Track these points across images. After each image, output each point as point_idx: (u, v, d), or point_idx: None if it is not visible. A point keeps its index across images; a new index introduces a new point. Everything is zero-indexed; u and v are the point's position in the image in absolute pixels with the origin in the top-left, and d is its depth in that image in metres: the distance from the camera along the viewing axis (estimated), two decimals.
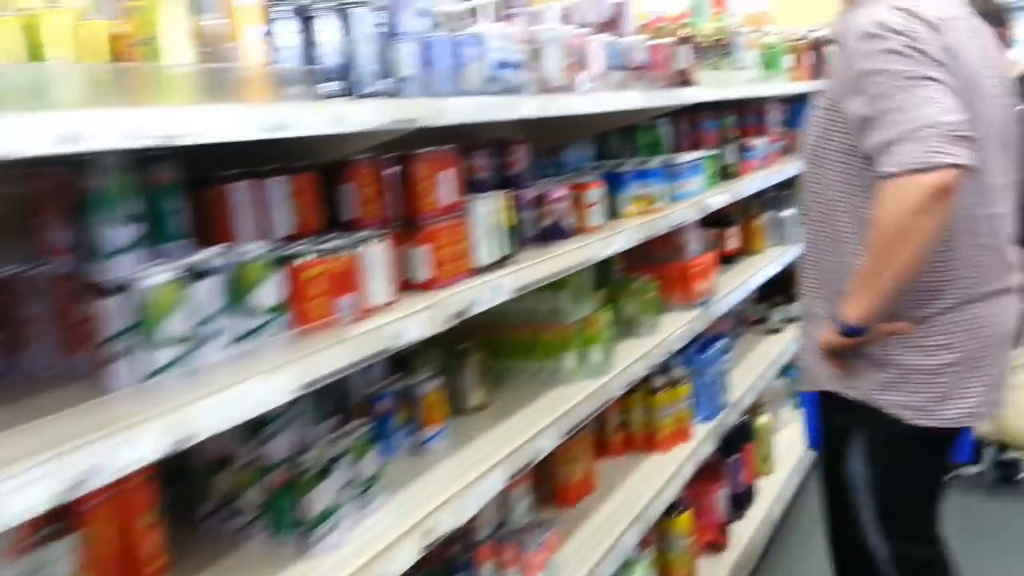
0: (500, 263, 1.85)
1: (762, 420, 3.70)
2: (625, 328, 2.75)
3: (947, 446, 1.88)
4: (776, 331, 4.12)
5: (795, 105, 4.42)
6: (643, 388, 2.80)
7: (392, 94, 1.53)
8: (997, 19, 3.48)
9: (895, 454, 1.87)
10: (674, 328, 2.75)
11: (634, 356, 2.49)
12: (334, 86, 1.44)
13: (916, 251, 1.61)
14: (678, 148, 3.40)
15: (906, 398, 1.80)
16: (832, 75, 1.84)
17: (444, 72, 1.70)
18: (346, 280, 1.45)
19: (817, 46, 4.70)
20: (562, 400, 2.15)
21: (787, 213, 3.98)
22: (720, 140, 3.51)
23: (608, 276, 2.84)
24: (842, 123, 1.75)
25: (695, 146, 3.56)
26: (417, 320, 1.52)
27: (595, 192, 2.33)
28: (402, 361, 1.88)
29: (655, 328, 2.72)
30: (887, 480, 1.87)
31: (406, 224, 1.69)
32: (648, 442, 2.84)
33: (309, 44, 1.42)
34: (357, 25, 1.48)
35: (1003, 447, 3.68)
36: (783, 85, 3.99)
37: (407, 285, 1.69)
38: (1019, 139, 1.87)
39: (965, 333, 1.77)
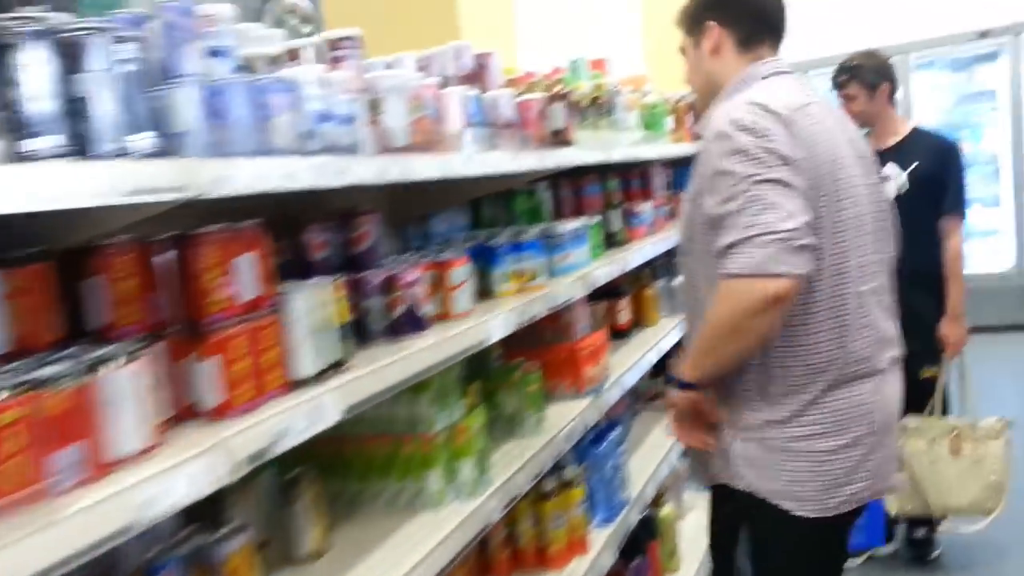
0: (327, 373, 1.40)
1: (666, 511, 3.31)
2: (506, 428, 2.32)
3: (840, 533, 1.84)
4: None
5: (678, 168, 4.19)
6: (531, 494, 2.36)
7: (152, 153, 1.09)
8: (885, 74, 3.34)
9: (786, 547, 1.81)
10: (563, 422, 2.34)
11: (517, 463, 2.06)
12: (47, 142, 0.98)
13: (743, 347, 1.69)
14: (559, 215, 3.05)
15: (791, 487, 1.73)
16: (696, 169, 1.84)
17: (240, 126, 1.26)
18: (69, 425, 0.96)
19: (698, 110, 4.52)
20: (427, 533, 1.68)
21: (679, 281, 3.68)
22: (604, 205, 3.19)
23: (484, 366, 2.42)
24: (699, 217, 1.76)
25: (578, 212, 3.22)
26: (188, 473, 1.04)
27: (460, 271, 1.92)
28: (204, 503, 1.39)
29: (541, 425, 2.30)
30: None
31: (187, 330, 1.22)
32: (539, 558, 2.38)
33: (3, 83, 0.96)
34: (89, 60, 1.03)
35: (914, 524, 3.42)
36: (667, 147, 3.74)
37: (190, 413, 1.21)
38: (890, 215, 1.90)
39: (845, 415, 1.73)
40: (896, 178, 3.22)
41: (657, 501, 3.29)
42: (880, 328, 1.78)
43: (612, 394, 2.68)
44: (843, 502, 1.73)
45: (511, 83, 2.46)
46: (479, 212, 2.84)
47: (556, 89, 2.62)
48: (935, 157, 3.22)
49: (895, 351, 1.84)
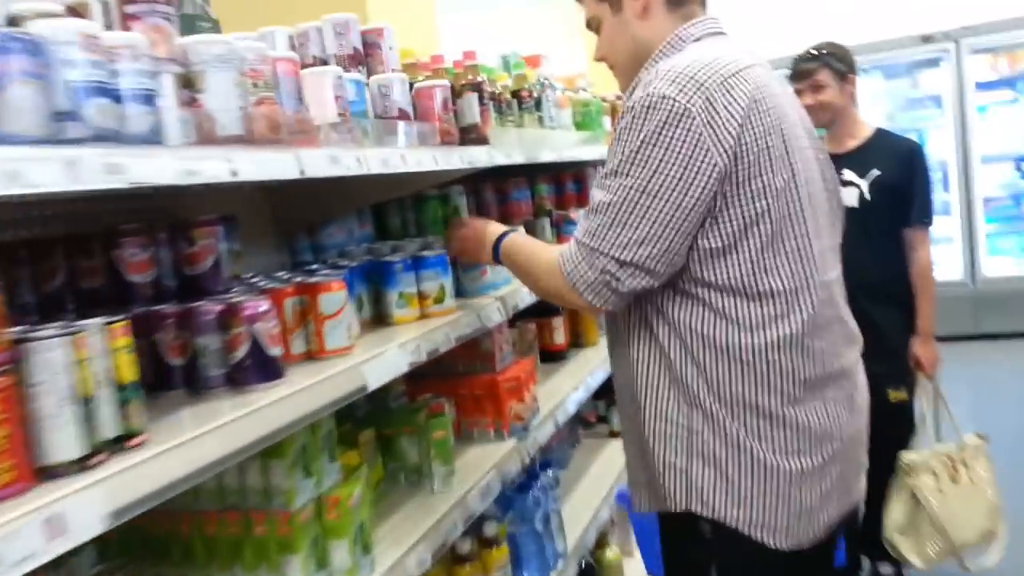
0: (96, 456, 0.96)
1: (610, 555, 2.92)
2: (411, 482, 1.90)
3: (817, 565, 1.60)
4: (619, 434, 3.38)
5: None
6: (444, 558, 1.94)
7: None
8: (852, 66, 2.99)
9: None
10: (480, 473, 1.93)
11: (415, 534, 1.64)
12: None
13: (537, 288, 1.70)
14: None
15: (764, 516, 1.50)
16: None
17: None
18: None
19: None
20: None
21: None
22: (534, 213, 2.79)
23: (381, 407, 1.99)
24: None
25: (503, 220, 2.82)
26: None
27: (333, 298, 1.49)
28: None
29: (451, 480, 1.89)
30: None
31: None
32: None
33: None
34: None
35: (881, 558, 3.07)
36: (604, 148, 3.36)
37: None
38: (837, 196, 1.70)
39: (820, 425, 1.51)
40: (857, 185, 2.87)
41: (601, 542, 2.90)
42: (848, 323, 1.61)
43: (543, 432, 2.28)
44: (827, 526, 1.55)
45: (410, 68, 2.04)
46: (384, 220, 2.42)
47: (469, 78, 2.22)
48: (899, 163, 2.87)
49: (859, 348, 1.66)
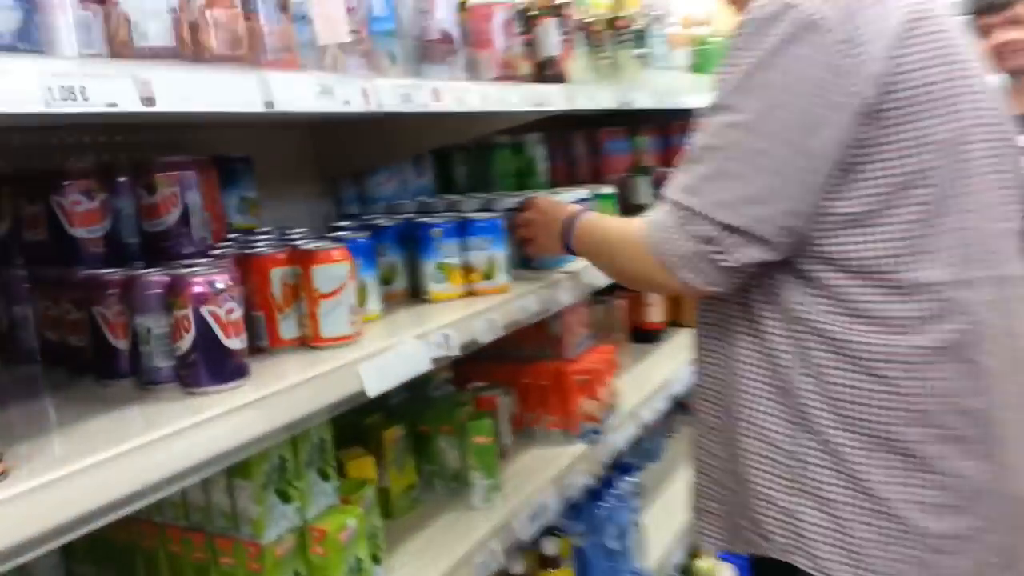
0: None
1: (705, 566, 2.51)
2: (451, 491, 1.56)
3: None
4: None
5: None
6: None
7: None
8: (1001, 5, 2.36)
9: None
10: (534, 488, 1.57)
11: (443, 562, 1.30)
12: None
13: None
14: (561, 179, 2.24)
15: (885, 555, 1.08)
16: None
17: None
18: None
19: None
20: None
21: None
22: (630, 169, 2.35)
23: (419, 395, 1.65)
24: None
25: (594, 178, 2.41)
26: None
27: (332, 271, 1.14)
28: None
29: (495, 495, 1.53)
30: None
31: None
32: None
33: None
34: None
35: None
36: None
37: None
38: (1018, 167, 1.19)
39: (982, 474, 1.10)
40: None
41: (695, 553, 2.50)
42: (1020, 341, 1.14)
43: (622, 435, 1.88)
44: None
45: None
46: (447, 170, 2.06)
47: (548, 0, 1.80)
48: None
49: None
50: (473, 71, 1.47)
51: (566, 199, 1.60)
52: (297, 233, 1.40)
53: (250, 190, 1.51)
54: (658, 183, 2.39)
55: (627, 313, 2.36)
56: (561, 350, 1.81)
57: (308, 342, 1.15)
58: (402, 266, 1.49)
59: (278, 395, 0.98)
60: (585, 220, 1.38)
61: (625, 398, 1.99)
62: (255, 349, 1.15)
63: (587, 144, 2.40)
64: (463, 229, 1.46)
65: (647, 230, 1.14)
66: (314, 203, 1.87)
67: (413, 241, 1.46)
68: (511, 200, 1.71)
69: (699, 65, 2.81)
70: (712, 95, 1.11)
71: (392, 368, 1.13)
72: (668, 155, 2.71)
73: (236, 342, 0.99)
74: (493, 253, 1.46)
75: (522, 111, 1.49)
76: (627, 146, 2.42)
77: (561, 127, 2.43)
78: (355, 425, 1.46)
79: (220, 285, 0.97)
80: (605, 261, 1.35)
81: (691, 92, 2.51)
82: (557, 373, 1.75)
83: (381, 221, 1.54)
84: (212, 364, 0.97)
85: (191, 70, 0.87)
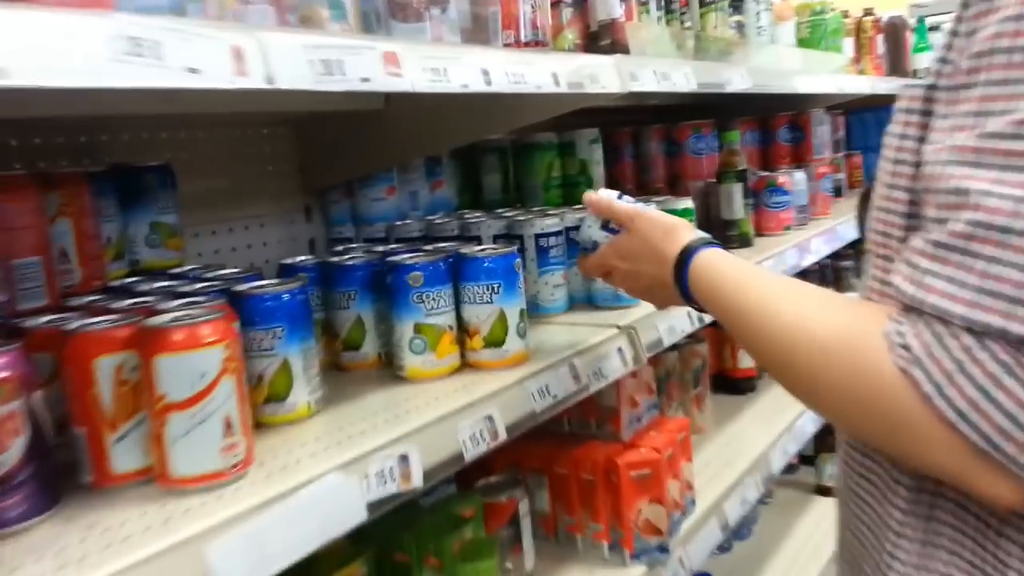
0: None
1: None
2: None
3: None
4: (829, 490, 2.36)
5: (858, 116, 2.69)
6: None
7: None
8: None
9: None
10: None
11: None
12: None
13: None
14: (625, 187, 1.71)
15: None
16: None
17: None
18: None
19: (895, 31, 2.96)
20: None
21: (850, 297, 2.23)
22: (720, 172, 1.80)
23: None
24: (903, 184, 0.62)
25: (670, 184, 1.87)
26: None
27: (188, 364, 0.66)
28: None
29: None
30: None
31: None
32: None
33: None
34: None
35: None
36: (842, 80, 2.25)
37: None
38: None
39: None
40: None
41: None
42: None
43: (700, 543, 1.34)
44: None
45: None
46: (475, 175, 1.57)
47: None
48: None
49: None
50: (472, 34, 0.97)
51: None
52: (224, 276, 0.94)
53: (167, 213, 1.06)
54: (754, 192, 1.83)
55: (709, 359, 1.81)
56: (613, 427, 1.30)
57: (159, 481, 0.68)
58: (374, 322, 1.01)
59: None
60: (713, 257, 0.82)
61: (705, 485, 1.45)
62: (74, 487, 0.69)
63: (661, 141, 1.86)
64: (455, 271, 0.96)
65: (906, 353, 0.55)
66: (295, 225, 1.41)
67: (385, 289, 0.97)
68: (550, 220, 1.21)
69: (810, 40, 2.23)
70: (972, 125, 0.54)
71: (281, 539, 0.64)
72: (770, 155, 2.14)
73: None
74: (502, 307, 0.96)
75: (553, 92, 0.98)
76: (714, 143, 1.87)
77: (626, 119, 1.91)
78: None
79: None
80: (766, 352, 0.69)
81: (801, 73, 1.94)
82: (607, 464, 1.24)
83: (353, 256, 1.06)
84: None
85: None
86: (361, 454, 0.73)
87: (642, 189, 1.87)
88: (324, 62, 0.66)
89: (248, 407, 0.71)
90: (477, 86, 0.82)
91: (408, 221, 1.35)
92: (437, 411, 0.84)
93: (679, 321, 1.26)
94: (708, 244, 0.84)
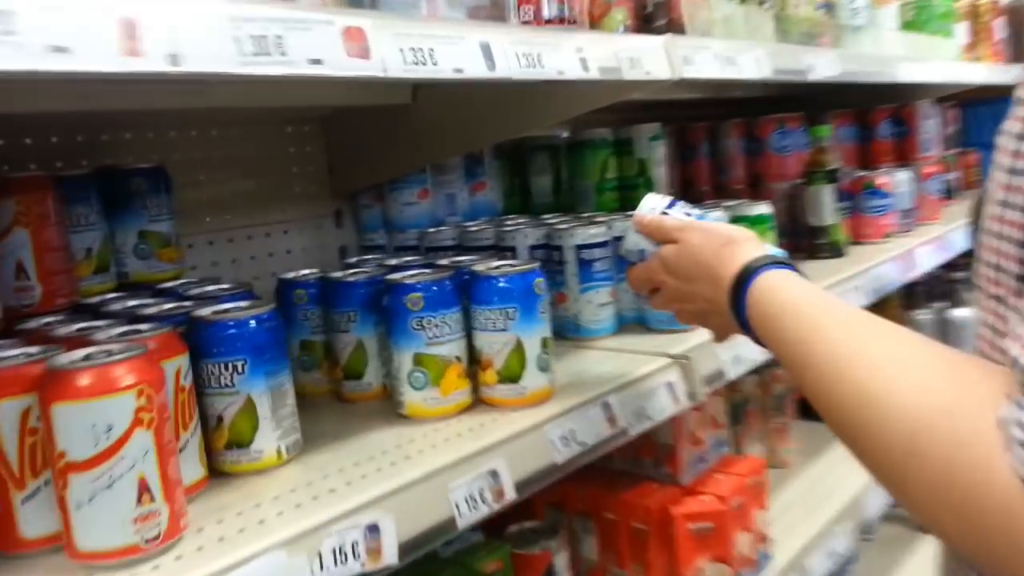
0: None
1: None
2: None
3: None
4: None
5: (973, 110, 2.40)
6: None
7: None
8: None
9: None
10: None
11: None
12: None
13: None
14: (693, 188, 1.54)
15: None
16: None
17: None
18: None
19: (1018, 15, 2.63)
20: None
21: (962, 314, 1.96)
22: (805, 172, 1.59)
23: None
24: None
25: (751, 180, 1.68)
26: None
27: (96, 413, 0.54)
28: None
29: None
30: None
31: None
32: None
33: None
34: None
35: None
36: (954, 68, 1.98)
37: None
38: None
39: None
40: None
41: None
42: None
43: None
44: None
45: None
46: (522, 175, 1.42)
47: None
48: None
49: None
50: (493, 11, 0.81)
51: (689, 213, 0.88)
52: (206, 294, 0.83)
53: (159, 220, 0.95)
54: (849, 194, 1.60)
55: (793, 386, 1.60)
56: (671, 469, 1.12)
57: (67, 551, 0.56)
58: (377, 348, 0.87)
59: None
60: (780, 280, 0.65)
61: (786, 533, 1.25)
62: None
63: (741, 138, 1.66)
64: (463, 293, 0.81)
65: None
66: (324, 231, 1.29)
67: (383, 312, 0.83)
68: (595, 229, 1.05)
69: (915, 24, 1.97)
70: None
71: None
72: (868, 153, 1.89)
73: None
74: (519, 336, 0.80)
75: (577, 79, 0.81)
76: (802, 140, 1.65)
77: (704, 114, 1.71)
78: None
79: None
80: (849, 433, 0.52)
81: (905, 60, 1.69)
82: (661, 514, 1.06)
83: (356, 271, 0.92)
84: None
85: None
86: (316, 525, 0.59)
87: (720, 192, 1.67)
88: (256, 39, 0.52)
89: (175, 464, 0.58)
90: (476, 71, 0.67)
91: (442, 228, 1.21)
92: (426, 465, 0.69)
93: (748, 348, 1.07)
94: (775, 264, 0.67)
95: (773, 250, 0.69)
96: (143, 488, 0.55)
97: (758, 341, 0.67)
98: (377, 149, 1.24)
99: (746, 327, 0.67)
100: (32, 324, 0.74)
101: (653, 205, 0.79)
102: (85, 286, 0.88)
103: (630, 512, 1.08)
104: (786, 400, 1.55)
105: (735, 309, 0.68)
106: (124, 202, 0.93)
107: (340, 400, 0.90)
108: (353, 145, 1.27)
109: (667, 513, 1.05)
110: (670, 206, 0.79)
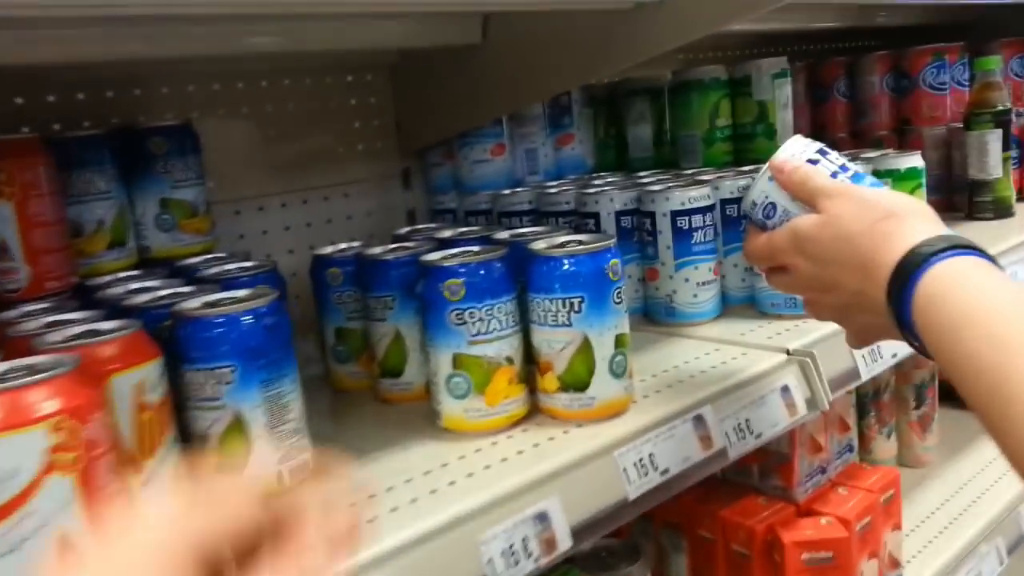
0: None
1: None
2: None
3: None
4: None
5: None
6: None
7: None
8: None
9: None
10: None
11: None
12: None
13: None
14: (826, 135, 1.28)
15: None
16: None
17: None
18: None
19: None
20: None
21: None
22: (966, 114, 1.30)
23: None
24: None
25: (899, 135, 1.41)
26: None
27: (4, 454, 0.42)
28: None
29: None
30: None
31: None
32: None
33: None
34: None
35: None
36: None
37: None
38: None
39: None
40: None
41: None
42: None
43: None
44: None
45: None
46: (617, 125, 1.22)
47: None
48: None
49: None
50: None
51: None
52: (220, 275, 0.70)
53: (183, 187, 0.83)
54: (1021, 142, 1.31)
55: (934, 378, 1.34)
56: (783, 482, 0.92)
57: None
58: (419, 341, 0.72)
59: None
60: (954, 281, 0.48)
61: (922, 550, 1.04)
62: None
63: (887, 74, 1.38)
64: (517, 278, 0.65)
65: None
66: (390, 194, 1.15)
67: (419, 302, 0.67)
68: (695, 191, 0.85)
69: None
70: None
71: None
72: None
73: None
74: (586, 332, 0.63)
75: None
76: (963, 74, 1.36)
77: (838, 48, 1.45)
78: None
79: None
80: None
81: None
82: (768, 538, 0.87)
83: (398, 247, 0.77)
84: None
85: None
86: None
87: (859, 140, 1.42)
88: None
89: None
90: None
91: (517, 190, 1.04)
92: (455, 504, 0.53)
93: (882, 351, 0.85)
94: (957, 249, 0.48)
95: (952, 234, 0.50)
96: (66, 551, 0.42)
97: (926, 354, 0.49)
98: (446, 98, 1.08)
99: (910, 333, 0.49)
100: (11, 313, 0.63)
101: (797, 150, 0.60)
102: (97, 263, 0.77)
103: (730, 532, 0.90)
104: (929, 389, 1.30)
105: (896, 308, 0.49)
106: (142, 167, 0.81)
107: (377, 400, 0.76)
108: (421, 95, 1.11)
109: (776, 537, 0.87)
110: (820, 154, 0.60)
